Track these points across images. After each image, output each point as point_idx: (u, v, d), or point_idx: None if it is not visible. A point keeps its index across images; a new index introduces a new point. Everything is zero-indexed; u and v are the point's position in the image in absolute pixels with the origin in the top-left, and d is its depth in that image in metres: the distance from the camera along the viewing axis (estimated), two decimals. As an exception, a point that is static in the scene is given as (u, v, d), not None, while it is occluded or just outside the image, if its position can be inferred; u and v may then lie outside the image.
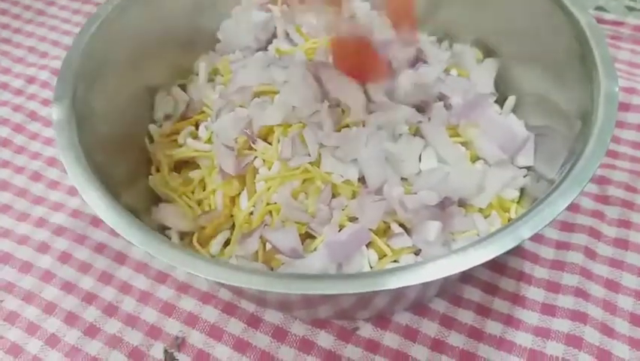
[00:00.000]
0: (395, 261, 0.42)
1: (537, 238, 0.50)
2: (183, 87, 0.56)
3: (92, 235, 0.52)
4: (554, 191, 0.34)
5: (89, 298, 0.48)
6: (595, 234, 0.50)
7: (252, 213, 0.44)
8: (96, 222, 0.53)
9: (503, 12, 0.54)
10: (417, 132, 0.46)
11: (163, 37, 0.54)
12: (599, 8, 0.74)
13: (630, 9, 0.74)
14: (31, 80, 0.66)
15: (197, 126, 0.52)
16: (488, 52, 0.56)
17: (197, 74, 0.56)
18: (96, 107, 0.45)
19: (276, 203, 0.43)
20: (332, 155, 0.43)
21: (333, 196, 0.43)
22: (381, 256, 0.42)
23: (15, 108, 0.63)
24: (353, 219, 0.42)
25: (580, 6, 0.46)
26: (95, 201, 0.37)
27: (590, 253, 0.49)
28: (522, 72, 0.53)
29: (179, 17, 0.55)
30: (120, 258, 0.51)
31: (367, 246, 0.42)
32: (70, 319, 0.47)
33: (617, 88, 0.39)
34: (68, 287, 0.49)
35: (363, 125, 0.44)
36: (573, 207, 0.52)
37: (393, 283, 0.32)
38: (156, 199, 0.49)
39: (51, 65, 0.67)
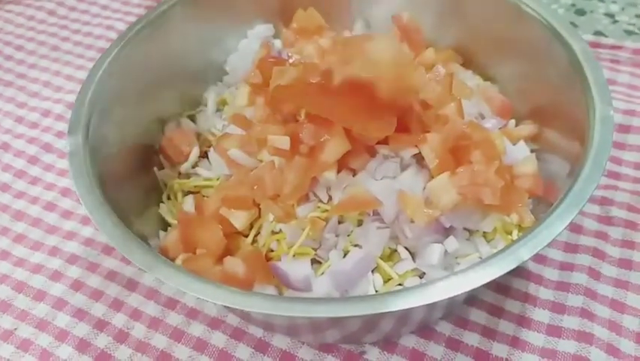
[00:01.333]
0: (400, 284, 0.43)
1: (541, 259, 0.51)
2: (192, 118, 0.57)
3: (104, 262, 0.53)
4: (552, 213, 0.35)
5: (101, 325, 0.49)
6: (599, 254, 0.51)
7: (254, 241, 0.45)
8: (108, 250, 0.54)
9: (501, 38, 0.55)
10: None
11: (173, 70, 0.56)
12: (598, 33, 0.76)
13: (629, 33, 0.76)
14: (46, 114, 0.68)
15: (206, 155, 0.53)
16: (486, 77, 0.58)
17: (206, 105, 0.58)
18: (108, 139, 0.47)
19: (281, 231, 0.44)
20: (343, 193, 0.43)
21: (339, 223, 0.44)
22: (387, 279, 0.43)
23: (30, 141, 0.65)
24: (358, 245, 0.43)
25: (573, 33, 0.47)
26: (108, 230, 0.39)
27: (595, 274, 0.50)
28: (519, 96, 0.54)
29: (188, 51, 0.57)
30: (131, 285, 0.52)
31: (372, 270, 0.43)
32: (82, 346, 0.48)
33: (611, 111, 0.41)
34: (80, 314, 0.50)
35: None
36: (576, 228, 0.53)
37: (397, 305, 0.32)
38: (166, 224, 0.50)
39: (65, 98, 0.70)
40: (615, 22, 0.78)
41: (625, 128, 0.61)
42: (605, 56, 0.70)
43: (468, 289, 0.32)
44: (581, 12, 0.79)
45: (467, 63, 0.59)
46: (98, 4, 0.85)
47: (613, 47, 0.72)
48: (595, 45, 0.72)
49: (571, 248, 0.52)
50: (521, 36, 0.53)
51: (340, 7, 0.63)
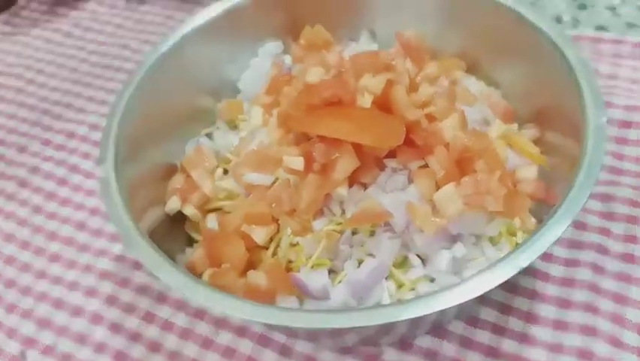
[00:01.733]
0: (412, 289, 0.46)
1: (547, 257, 0.54)
2: (209, 135, 0.60)
3: (134, 277, 0.57)
4: (551, 217, 0.38)
5: (135, 336, 0.53)
6: (602, 250, 0.53)
7: (274, 254, 0.49)
8: (138, 265, 0.58)
9: (502, 44, 0.58)
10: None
11: (190, 91, 0.59)
12: (599, 27, 0.77)
13: (630, 25, 0.77)
14: (70, 135, 0.72)
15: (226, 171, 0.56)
16: (489, 82, 0.60)
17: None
18: (135, 162, 0.50)
19: (299, 244, 0.47)
20: (355, 207, 0.46)
21: (353, 234, 0.47)
22: (399, 285, 0.46)
23: (58, 163, 0.69)
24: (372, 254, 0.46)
25: (567, 40, 0.49)
26: (137, 249, 0.42)
27: (598, 270, 0.52)
28: (522, 100, 0.56)
29: (203, 72, 0.61)
30: (161, 298, 0.55)
31: (386, 278, 0.46)
32: (120, 357, 0.52)
33: (605, 119, 0.43)
34: (116, 328, 0.54)
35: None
36: (579, 225, 0.55)
37: (410, 313, 0.36)
38: (192, 240, 0.54)
39: (88, 120, 0.73)
40: (617, 15, 0.79)
41: (626, 124, 0.63)
42: (607, 51, 0.72)
43: (477, 294, 0.35)
44: (582, 6, 0.81)
45: (471, 69, 0.61)
46: (111, 23, 0.88)
47: (615, 42, 0.73)
48: (597, 40, 0.73)
49: (575, 245, 0.54)
50: (521, 42, 0.55)
51: (346, 20, 0.65)
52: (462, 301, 0.35)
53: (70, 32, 0.88)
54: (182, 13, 0.86)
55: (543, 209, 0.49)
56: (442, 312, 0.37)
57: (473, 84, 0.60)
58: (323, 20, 0.63)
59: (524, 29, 0.54)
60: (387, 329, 0.44)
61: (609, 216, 0.56)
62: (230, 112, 0.60)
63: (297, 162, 0.46)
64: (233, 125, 0.61)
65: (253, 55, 0.64)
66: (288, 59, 0.63)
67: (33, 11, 0.93)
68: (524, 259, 0.36)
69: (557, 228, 0.37)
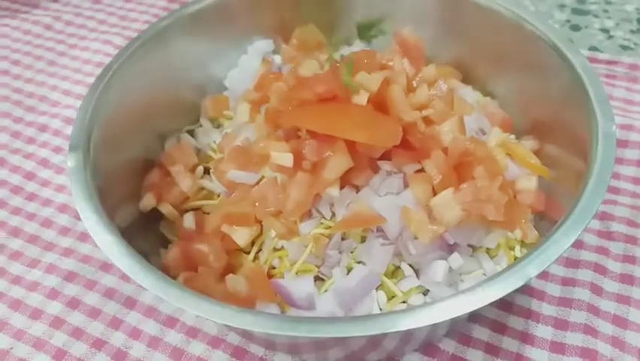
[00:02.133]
0: (404, 302, 0.43)
1: (543, 275, 0.51)
2: (192, 133, 0.57)
3: (102, 279, 0.53)
4: (558, 229, 0.35)
5: (99, 344, 0.49)
6: (600, 270, 0.51)
7: (255, 258, 0.45)
8: (106, 267, 0.53)
9: (500, 53, 0.56)
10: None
11: (172, 85, 0.56)
12: (593, 48, 0.77)
13: (624, 48, 0.77)
14: (43, 129, 0.68)
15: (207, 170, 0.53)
16: (486, 92, 0.58)
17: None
18: (109, 155, 0.46)
19: (283, 248, 0.44)
20: (346, 210, 0.43)
21: (342, 239, 0.44)
22: (390, 296, 0.43)
23: (27, 156, 0.65)
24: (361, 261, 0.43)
25: (574, 49, 0.47)
26: (109, 247, 0.38)
27: (597, 289, 0.49)
28: (520, 111, 0.54)
29: (188, 67, 0.57)
30: (130, 303, 0.51)
31: (376, 288, 0.43)
32: (80, 365, 0.47)
33: (614, 127, 0.41)
34: (78, 333, 0.49)
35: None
36: (577, 244, 0.53)
37: (403, 324, 0.32)
38: (166, 241, 0.50)
39: (63, 113, 0.69)
40: (610, 37, 0.78)
41: (623, 143, 0.61)
42: (601, 71, 0.71)
43: (476, 307, 0.32)
44: (576, 27, 0.80)
45: (467, 79, 0.59)
46: (95, 18, 0.85)
47: (609, 62, 0.72)
48: (591, 60, 0.72)
49: (572, 264, 0.51)
50: (521, 51, 0.53)
51: (340, 23, 0.63)
52: (468, 311, 0.32)
53: (51, 25, 0.84)
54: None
55: (542, 223, 0.46)
56: (437, 325, 0.34)
57: (469, 94, 0.58)
58: (316, 22, 0.61)
59: (525, 38, 0.52)
60: (374, 343, 0.40)
61: (607, 235, 0.53)
62: (216, 108, 0.57)
63: (286, 159, 0.42)
64: (217, 124, 0.58)
65: (242, 52, 0.61)
66: (278, 59, 0.61)
67: (14, 2, 0.89)
68: (533, 268, 0.33)
69: (569, 236, 0.34)
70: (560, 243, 0.34)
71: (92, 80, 0.73)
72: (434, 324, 0.33)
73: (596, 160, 0.39)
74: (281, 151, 0.43)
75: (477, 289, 0.33)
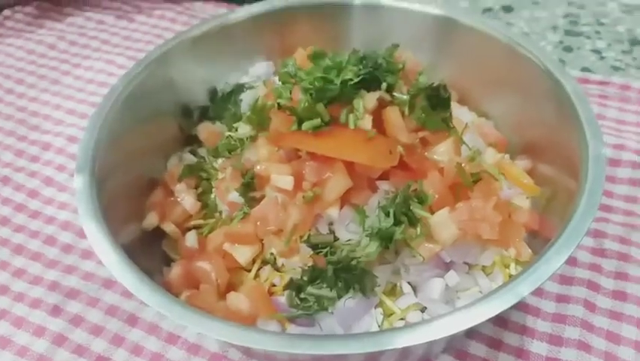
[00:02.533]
0: (402, 319, 0.44)
1: (538, 292, 0.52)
2: (194, 152, 0.58)
3: (104, 297, 0.54)
4: (550, 249, 0.36)
5: (101, 360, 0.49)
6: (593, 286, 0.52)
7: (256, 276, 0.46)
8: (109, 284, 0.54)
9: (494, 75, 0.57)
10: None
11: (176, 106, 0.58)
12: (585, 69, 0.78)
13: (616, 68, 0.79)
14: (46, 147, 0.69)
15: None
16: (481, 113, 0.59)
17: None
18: (114, 174, 0.48)
19: (284, 266, 0.45)
20: (345, 229, 0.44)
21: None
22: (389, 314, 0.44)
23: (30, 174, 0.66)
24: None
25: (565, 72, 0.49)
26: (114, 265, 0.39)
27: (590, 306, 0.51)
28: (514, 132, 0.56)
29: (190, 88, 0.59)
30: (132, 320, 0.52)
31: (375, 305, 0.44)
32: (83, 382, 0.48)
33: (604, 149, 0.42)
34: (80, 350, 0.50)
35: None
36: (571, 261, 0.54)
37: (401, 342, 0.33)
38: (169, 259, 0.51)
39: (66, 132, 0.70)
40: (602, 58, 0.80)
41: (615, 162, 0.63)
42: (594, 91, 0.73)
43: (471, 325, 0.33)
44: (568, 49, 0.82)
45: (462, 100, 0.61)
46: (98, 38, 0.86)
47: (601, 83, 0.74)
48: (583, 81, 0.74)
49: (566, 280, 0.53)
50: (514, 74, 0.55)
51: (338, 44, 0.64)
52: (464, 328, 0.33)
53: (55, 45, 0.86)
54: (170, 33, 0.85)
55: (535, 241, 0.47)
56: (434, 341, 0.35)
57: (465, 114, 0.59)
58: (315, 43, 0.62)
59: (517, 61, 0.54)
60: (372, 359, 0.41)
61: (600, 252, 0.55)
62: (209, 140, 0.57)
63: (286, 182, 0.43)
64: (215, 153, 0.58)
65: (243, 74, 0.62)
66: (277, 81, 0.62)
67: (18, 22, 0.91)
68: (526, 286, 0.34)
69: (561, 254, 0.36)
70: (552, 262, 0.36)
71: (95, 99, 0.75)
72: (431, 341, 0.34)
73: (586, 181, 0.40)
74: (281, 173, 0.44)
75: (472, 308, 0.34)
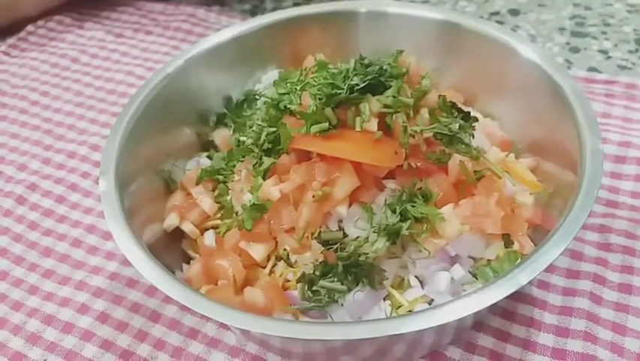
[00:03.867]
0: (410, 311, 0.45)
1: (544, 285, 0.53)
2: (211, 157, 0.61)
3: (129, 295, 0.56)
4: (548, 241, 0.38)
5: (126, 355, 0.52)
6: (599, 280, 0.53)
7: (271, 272, 0.48)
8: (132, 283, 0.57)
9: (498, 77, 0.59)
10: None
11: (193, 113, 0.61)
12: (592, 69, 0.80)
13: (622, 68, 0.80)
14: (71, 155, 0.72)
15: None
16: (486, 113, 0.61)
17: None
18: (136, 178, 0.51)
19: (296, 262, 0.47)
20: (354, 226, 0.46)
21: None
22: (397, 306, 0.46)
23: (57, 181, 0.69)
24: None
25: (562, 71, 0.51)
26: (139, 262, 0.42)
27: (596, 299, 0.52)
28: (518, 131, 0.57)
29: (206, 96, 0.62)
30: (155, 316, 0.54)
31: (384, 298, 0.46)
32: (109, 375, 0.51)
33: (601, 145, 0.44)
34: (106, 345, 0.53)
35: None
36: (577, 255, 0.55)
37: (406, 327, 0.35)
38: (188, 258, 0.54)
39: (89, 140, 0.74)
40: (609, 58, 0.81)
41: (621, 159, 0.64)
42: (600, 90, 0.74)
43: (472, 311, 0.35)
44: (575, 50, 0.83)
45: (468, 101, 0.63)
46: (117, 51, 0.90)
47: (607, 82, 0.75)
48: (589, 81, 0.75)
49: (573, 274, 0.54)
50: (516, 75, 0.57)
51: (346, 50, 0.67)
52: (465, 314, 0.35)
53: (77, 58, 0.90)
54: (187, 44, 0.89)
55: (540, 236, 0.49)
56: (441, 331, 0.37)
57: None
58: (324, 49, 0.65)
59: (519, 63, 0.56)
60: (383, 349, 0.43)
61: (606, 247, 0.56)
62: (224, 145, 0.60)
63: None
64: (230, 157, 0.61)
65: (256, 81, 0.65)
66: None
67: (41, 37, 0.95)
68: (524, 276, 0.36)
69: (558, 246, 0.37)
70: (550, 253, 0.37)
71: (116, 109, 0.79)
72: (438, 329, 0.36)
73: (584, 175, 0.42)
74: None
75: (473, 295, 0.36)
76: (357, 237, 0.46)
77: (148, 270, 0.42)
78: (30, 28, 0.96)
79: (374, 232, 0.44)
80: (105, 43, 0.92)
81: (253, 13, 0.97)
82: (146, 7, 0.99)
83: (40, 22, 0.97)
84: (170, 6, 0.98)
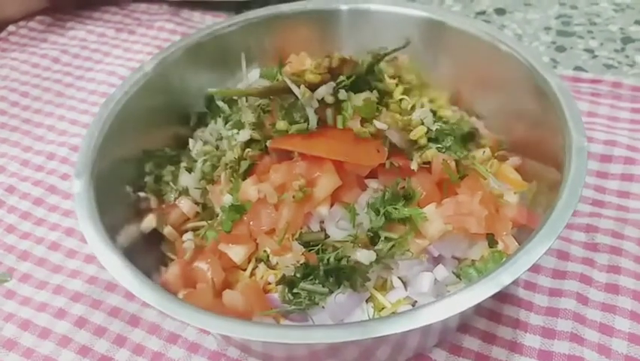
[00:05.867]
0: (393, 313, 0.45)
1: (530, 286, 0.53)
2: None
3: (107, 299, 0.55)
4: (531, 240, 0.38)
5: (104, 360, 0.51)
6: (586, 280, 0.53)
7: (252, 274, 0.47)
8: (111, 287, 0.56)
9: (482, 75, 0.59)
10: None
11: (173, 113, 0.59)
12: (578, 68, 0.79)
13: (608, 67, 0.79)
14: (50, 157, 0.71)
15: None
16: (472, 113, 0.61)
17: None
18: (112, 179, 0.49)
19: (277, 264, 0.46)
20: (336, 226, 0.45)
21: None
22: (380, 308, 0.45)
23: (35, 183, 0.68)
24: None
25: (549, 69, 0.50)
26: (113, 267, 0.41)
27: (583, 299, 0.51)
28: (503, 130, 0.57)
29: (188, 95, 0.60)
30: (134, 320, 0.53)
31: (366, 300, 0.45)
32: (86, 382, 0.50)
33: (585, 142, 0.43)
34: (84, 351, 0.52)
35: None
36: (563, 255, 0.55)
37: (387, 329, 0.34)
38: (166, 259, 0.52)
39: (70, 142, 0.72)
40: (595, 57, 0.81)
41: (607, 158, 0.64)
42: (586, 89, 0.73)
43: (454, 312, 0.34)
44: (561, 48, 0.83)
45: (454, 100, 0.62)
46: (100, 51, 0.88)
47: (593, 81, 0.75)
48: (575, 80, 0.75)
49: (559, 275, 0.53)
50: (501, 73, 0.56)
51: (329, 49, 0.66)
52: (447, 316, 0.34)
53: (58, 58, 0.88)
54: (171, 43, 0.87)
55: (525, 235, 0.48)
56: (425, 333, 0.36)
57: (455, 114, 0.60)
58: (307, 49, 0.64)
59: (503, 60, 0.55)
60: (366, 352, 0.42)
61: (592, 247, 0.55)
62: None
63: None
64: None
65: (239, 80, 0.64)
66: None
67: (22, 37, 0.93)
68: (507, 276, 0.35)
69: (543, 245, 0.37)
70: (533, 252, 0.37)
71: (97, 110, 0.77)
72: (422, 332, 0.35)
73: (569, 173, 0.41)
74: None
75: (454, 296, 0.35)
76: (339, 241, 0.44)
77: (123, 274, 0.40)
78: (11, 28, 0.95)
79: (358, 244, 0.43)
80: (87, 43, 0.90)
81: (239, 12, 0.96)
82: (129, 7, 0.97)
83: (21, 23, 0.95)
84: (153, 5, 0.96)
